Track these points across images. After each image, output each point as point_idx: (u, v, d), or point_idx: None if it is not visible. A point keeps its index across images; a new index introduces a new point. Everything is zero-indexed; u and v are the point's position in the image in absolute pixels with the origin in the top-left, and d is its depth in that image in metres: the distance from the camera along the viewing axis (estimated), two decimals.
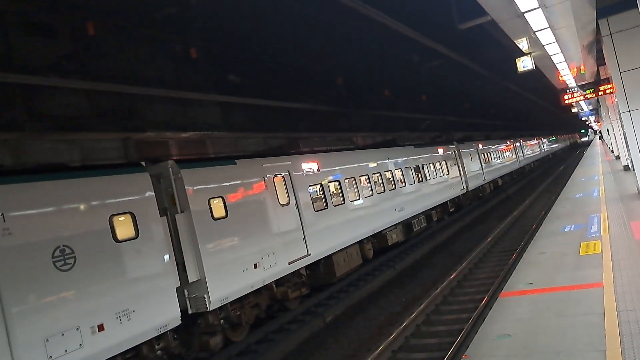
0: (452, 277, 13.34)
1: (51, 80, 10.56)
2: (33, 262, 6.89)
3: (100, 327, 7.43)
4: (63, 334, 6.95)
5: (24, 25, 10.40)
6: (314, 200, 13.24)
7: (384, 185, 17.13)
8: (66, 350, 6.94)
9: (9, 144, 10.53)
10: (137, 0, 11.11)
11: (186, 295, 9.38)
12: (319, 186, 13.65)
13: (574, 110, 40.82)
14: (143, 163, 9.45)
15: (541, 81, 24.60)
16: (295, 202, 12.36)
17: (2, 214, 6.69)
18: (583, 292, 7.40)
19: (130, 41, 12.44)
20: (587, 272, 8.34)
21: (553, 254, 10.09)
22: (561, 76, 18.86)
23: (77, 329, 7.14)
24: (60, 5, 10.51)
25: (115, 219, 8.12)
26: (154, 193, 8.92)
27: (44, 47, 10.71)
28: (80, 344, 7.12)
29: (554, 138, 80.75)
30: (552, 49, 13.65)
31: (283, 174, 12.29)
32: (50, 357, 6.75)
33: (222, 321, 10.01)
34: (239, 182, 10.88)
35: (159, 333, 8.39)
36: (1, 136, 10.26)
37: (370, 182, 16.32)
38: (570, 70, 17.60)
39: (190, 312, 9.42)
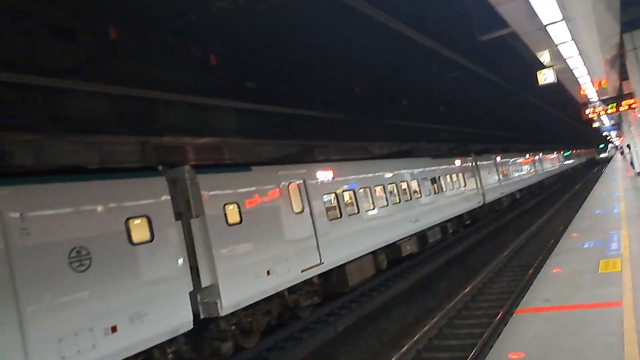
0: (466, 290, 13.16)
1: (72, 83, 10.74)
2: (49, 262, 6.95)
3: (113, 329, 7.45)
4: (76, 335, 6.98)
5: (48, 29, 10.60)
6: (328, 209, 13.19)
7: (399, 195, 17.02)
8: (79, 351, 6.96)
9: (30, 145, 10.71)
10: (159, 7, 11.26)
11: (199, 300, 9.39)
12: (333, 195, 13.60)
13: (596, 124, 40.25)
14: (160, 167, 9.51)
15: (562, 94, 24.32)
16: (309, 211, 12.33)
17: (21, 214, 6.77)
18: (601, 311, 7.21)
19: (151, 46, 12.60)
20: (606, 290, 8.12)
21: (571, 271, 9.87)
22: (583, 90, 18.61)
23: (91, 330, 7.17)
24: (83, 10, 10.70)
25: (131, 222, 8.17)
26: (170, 197, 8.97)
27: (66, 50, 10.90)
28: (93, 345, 7.15)
29: (572, 152, 79.60)
30: (575, 63, 13.47)
31: (298, 182, 12.28)
32: (63, 357, 6.77)
33: (233, 327, 10.01)
34: (254, 188, 10.89)
35: (171, 337, 8.40)
36: (23, 137, 10.45)
37: (385, 193, 16.22)
38: (593, 84, 17.36)
39: (202, 317, 9.43)
